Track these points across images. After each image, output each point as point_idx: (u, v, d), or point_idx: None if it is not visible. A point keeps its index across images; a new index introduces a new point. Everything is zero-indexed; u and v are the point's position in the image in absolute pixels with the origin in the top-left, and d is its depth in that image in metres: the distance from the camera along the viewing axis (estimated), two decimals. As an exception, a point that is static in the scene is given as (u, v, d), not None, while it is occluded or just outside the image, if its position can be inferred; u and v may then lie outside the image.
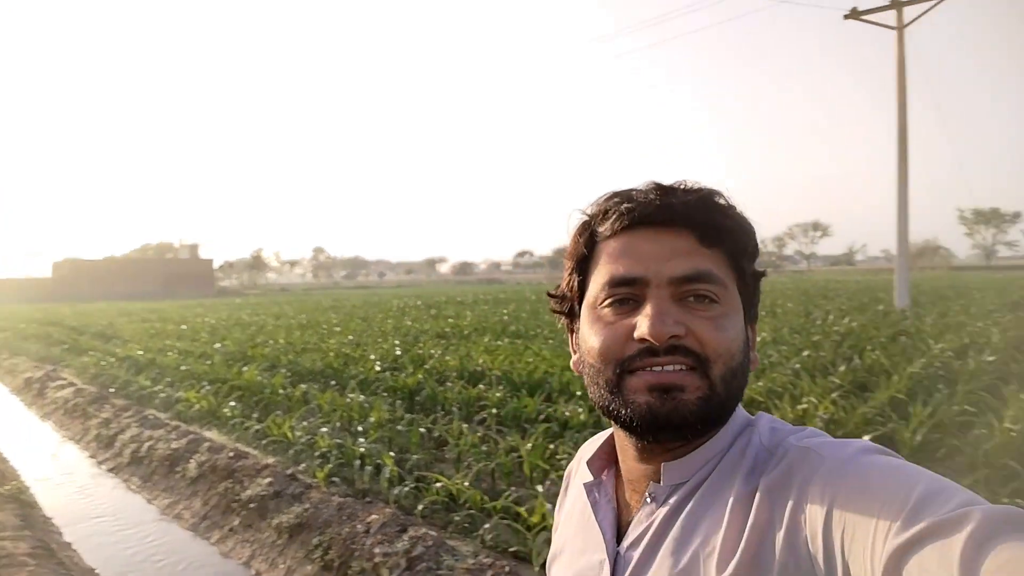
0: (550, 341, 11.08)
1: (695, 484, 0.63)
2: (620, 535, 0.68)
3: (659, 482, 0.64)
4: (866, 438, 4.63)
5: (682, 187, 0.65)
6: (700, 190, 0.66)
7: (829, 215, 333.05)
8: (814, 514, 0.52)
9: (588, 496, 0.72)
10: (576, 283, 0.70)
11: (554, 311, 0.75)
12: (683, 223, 0.63)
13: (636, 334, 0.61)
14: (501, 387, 7.20)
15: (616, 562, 0.66)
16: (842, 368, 7.49)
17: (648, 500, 0.65)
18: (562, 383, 7.00)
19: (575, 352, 0.72)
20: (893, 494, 0.48)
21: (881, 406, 5.81)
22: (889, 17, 17.38)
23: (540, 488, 4.23)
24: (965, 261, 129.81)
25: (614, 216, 0.65)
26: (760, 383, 6.47)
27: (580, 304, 0.70)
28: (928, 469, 0.52)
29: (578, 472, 0.78)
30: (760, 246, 0.69)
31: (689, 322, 0.61)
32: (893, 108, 17.25)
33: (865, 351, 8.79)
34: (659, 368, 0.61)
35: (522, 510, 3.89)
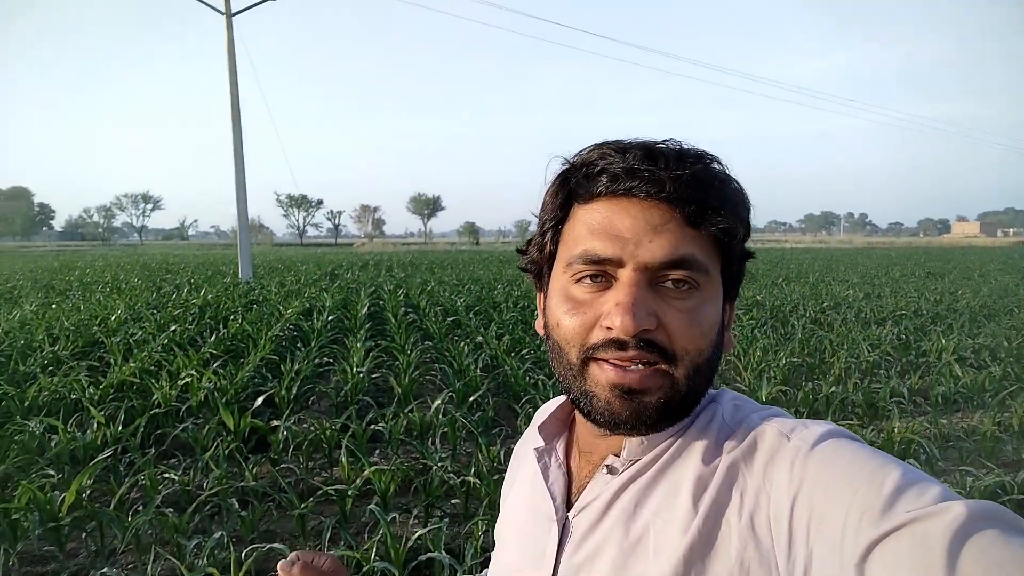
0: None
1: (653, 457, 0.60)
2: (570, 502, 0.66)
3: (618, 455, 0.62)
4: (260, 400, 4.97)
5: (675, 153, 0.58)
6: (696, 158, 0.58)
7: (160, 188, 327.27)
8: (779, 496, 0.51)
9: (538, 462, 0.70)
10: (548, 247, 0.65)
11: (521, 269, 0.69)
12: (670, 199, 0.55)
13: (605, 322, 0.56)
14: None
15: (564, 528, 0.64)
16: (212, 339, 7.63)
17: (604, 471, 0.63)
18: None
19: (541, 315, 0.67)
20: (866, 483, 0.46)
21: (257, 369, 6.24)
22: (220, 1, 18.09)
23: None
24: (282, 239, 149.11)
25: (596, 179, 0.58)
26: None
27: (550, 267, 0.65)
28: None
29: (529, 437, 0.75)
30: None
31: (663, 313, 0.56)
32: (227, 90, 18.11)
33: (229, 321, 9.17)
34: (624, 365, 0.56)
35: None
